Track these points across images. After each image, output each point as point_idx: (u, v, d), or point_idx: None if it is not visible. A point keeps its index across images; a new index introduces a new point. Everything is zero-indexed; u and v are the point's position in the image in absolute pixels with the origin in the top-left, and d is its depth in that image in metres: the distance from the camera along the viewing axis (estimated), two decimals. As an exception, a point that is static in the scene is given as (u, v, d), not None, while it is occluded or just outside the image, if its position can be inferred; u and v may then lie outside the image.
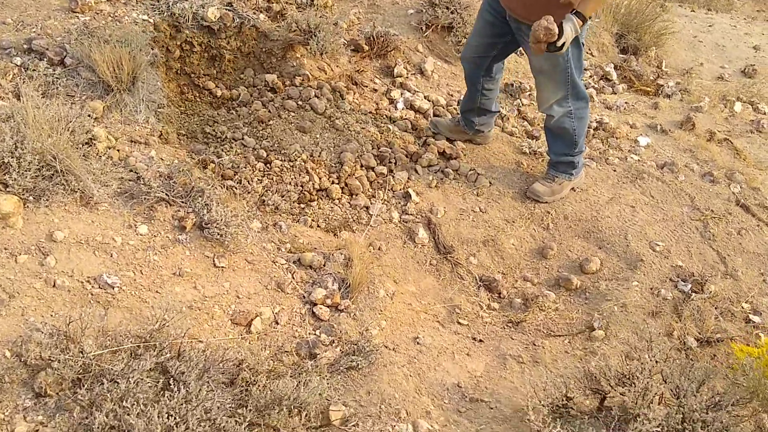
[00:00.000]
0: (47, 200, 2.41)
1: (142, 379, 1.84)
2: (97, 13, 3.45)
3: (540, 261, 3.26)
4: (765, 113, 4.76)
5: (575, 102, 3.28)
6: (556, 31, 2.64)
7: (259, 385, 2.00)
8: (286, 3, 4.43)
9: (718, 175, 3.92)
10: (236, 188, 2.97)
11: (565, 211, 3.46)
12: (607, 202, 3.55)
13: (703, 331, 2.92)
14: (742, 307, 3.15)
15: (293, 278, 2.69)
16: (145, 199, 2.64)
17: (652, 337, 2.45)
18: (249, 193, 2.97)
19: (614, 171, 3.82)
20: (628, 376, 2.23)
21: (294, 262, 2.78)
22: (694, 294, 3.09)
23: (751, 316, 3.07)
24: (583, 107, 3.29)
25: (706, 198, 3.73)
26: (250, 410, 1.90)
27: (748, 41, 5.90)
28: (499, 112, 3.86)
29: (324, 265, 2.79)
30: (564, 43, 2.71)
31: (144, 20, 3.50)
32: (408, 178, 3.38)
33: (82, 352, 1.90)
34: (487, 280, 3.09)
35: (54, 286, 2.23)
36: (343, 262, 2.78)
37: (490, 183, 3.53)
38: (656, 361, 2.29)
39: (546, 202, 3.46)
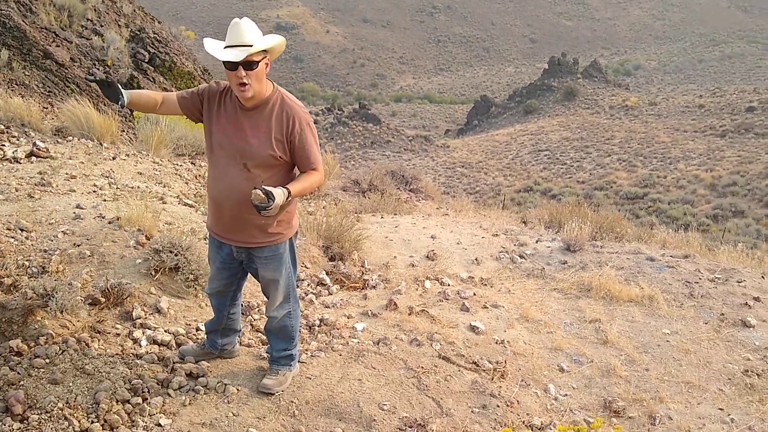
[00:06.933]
0: None
1: None
2: None
3: (293, 445, 3.75)
4: (448, 284, 5.95)
5: (294, 303, 4.02)
6: (262, 195, 3.29)
7: None
8: (18, 275, 4.75)
9: (422, 339, 4.83)
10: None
11: (306, 397, 4.04)
12: (338, 382, 4.21)
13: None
14: (461, 437, 3.90)
15: None
16: None
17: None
18: (9, 450, 3.14)
19: (340, 355, 4.54)
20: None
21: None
22: (420, 436, 3.77)
23: (468, 442, 3.81)
24: (297, 308, 4.04)
25: (416, 358, 4.57)
26: None
27: (426, 233, 7.34)
28: (240, 330, 4.46)
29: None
30: (278, 205, 3.34)
31: None
32: (163, 402, 3.75)
33: None
34: (250, 473, 3.49)
35: None
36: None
37: (237, 390, 4.02)
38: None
39: (275, 393, 4.00)
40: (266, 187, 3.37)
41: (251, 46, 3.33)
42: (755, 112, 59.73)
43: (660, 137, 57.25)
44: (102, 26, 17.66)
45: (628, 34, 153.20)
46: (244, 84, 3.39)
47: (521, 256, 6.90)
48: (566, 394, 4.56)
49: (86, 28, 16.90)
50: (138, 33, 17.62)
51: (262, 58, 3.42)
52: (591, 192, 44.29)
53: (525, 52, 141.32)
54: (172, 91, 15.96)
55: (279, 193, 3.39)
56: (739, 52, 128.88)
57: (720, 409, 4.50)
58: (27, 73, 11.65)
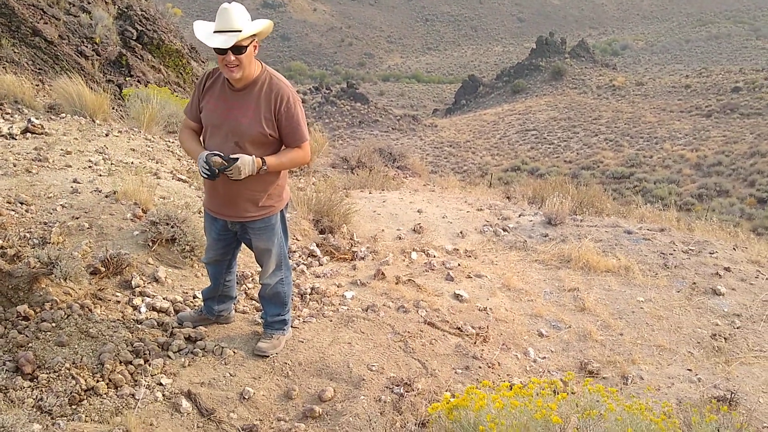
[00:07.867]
0: None
1: None
2: None
3: (288, 402, 3.98)
4: (434, 256, 6.20)
5: (286, 271, 4.25)
6: (219, 160, 3.54)
7: None
8: (20, 246, 4.94)
9: (408, 306, 5.08)
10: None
11: (299, 359, 4.28)
12: (329, 345, 4.45)
13: (418, 417, 3.84)
14: (445, 395, 4.14)
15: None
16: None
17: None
18: (23, 403, 3.36)
19: (331, 321, 4.78)
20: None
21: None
22: (406, 393, 4.02)
23: (451, 400, 4.06)
24: (289, 275, 4.28)
25: (403, 324, 4.82)
26: None
27: (413, 208, 7.58)
28: (236, 297, 4.68)
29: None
30: (238, 167, 3.57)
31: None
32: (164, 364, 3.98)
33: None
34: (247, 428, 3.72)
35: None
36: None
37: (234, 352, 4.25)
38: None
39: (270, 355, 4.25)
40: (233, 155, 3.62)
41: (240, 31, 3.50)
42: (741, 93, 60.18)
43: (646, 117, 57.63)
44: (89, 3, 17.63)
45: (616, 14, 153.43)
46: (233, 66, 3.58)
47: (504, 230, 7.16)
48: (545, 357, 4.83)
49: (73, 5, 16.86)
50: (125, 10, 17.59)
51: (251, 42, 3.61)
52: (578, 172, 44.56)
53: (513, 31, 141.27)
54: (160, 69, 16.03)
55: (247, 160, 3.62)
56: (726, 33, 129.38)
57: (689, 369, 4.79)
58: (16, 50, 11.70)
